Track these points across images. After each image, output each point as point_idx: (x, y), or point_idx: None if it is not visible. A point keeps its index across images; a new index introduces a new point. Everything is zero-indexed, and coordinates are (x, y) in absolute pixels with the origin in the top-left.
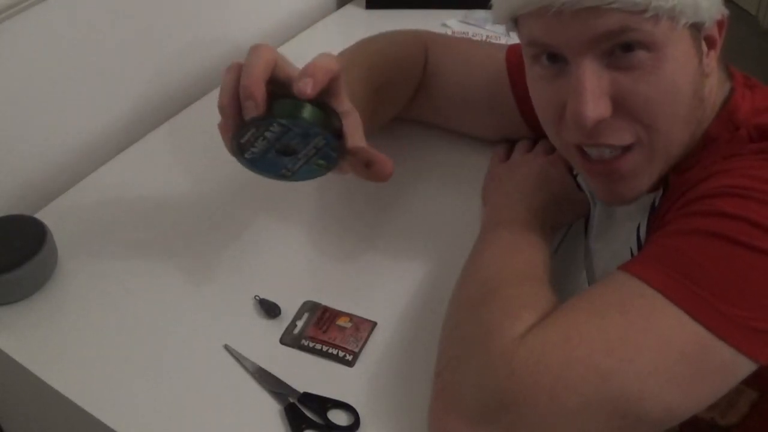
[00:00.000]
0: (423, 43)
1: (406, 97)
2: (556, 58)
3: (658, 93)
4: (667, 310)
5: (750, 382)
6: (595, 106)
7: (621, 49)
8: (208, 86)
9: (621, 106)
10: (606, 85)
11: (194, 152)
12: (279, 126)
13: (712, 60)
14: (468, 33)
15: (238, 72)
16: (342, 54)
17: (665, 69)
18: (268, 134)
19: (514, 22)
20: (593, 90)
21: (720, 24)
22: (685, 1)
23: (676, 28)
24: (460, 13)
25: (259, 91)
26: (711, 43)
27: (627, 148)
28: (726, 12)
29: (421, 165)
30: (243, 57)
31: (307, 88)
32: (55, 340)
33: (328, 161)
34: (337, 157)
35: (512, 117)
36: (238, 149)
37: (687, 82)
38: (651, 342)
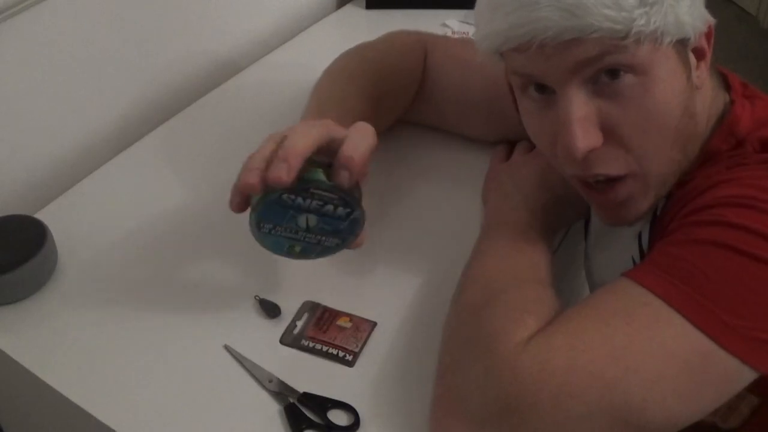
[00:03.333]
0: (423, 47)
1: (405, 104)
2: (543, 89)
3: (648, 119)
4: (672, 319)
5: (752, 388)
6: (584, 137)
7: (607, 75)
8: (208, 87)
9: (611, 134)
10: (594, 114)
11: (194, 153)
12: (345, 207)
13: (703, 71)
14: (468, 33)
15: (277, 139)
16: (341, 60)
17: (654, 92)
18: (327, 207)
19: (500, 55)
20: (581, 120)
21: (708, 34)
22: (667, 22)
23: (659, 48)
24: (460, 13)
25: (297, 161)
26: (700, 54)
27: (622, 177)
28: (712, 20)
29: (421, 165)
30: (243, 57)
31: (282, 175)
32: (55, 340)
33: (306, 255)
34: (360, 225)
35: (511, 120)
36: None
37: (677, 101)
38: (655, 351)
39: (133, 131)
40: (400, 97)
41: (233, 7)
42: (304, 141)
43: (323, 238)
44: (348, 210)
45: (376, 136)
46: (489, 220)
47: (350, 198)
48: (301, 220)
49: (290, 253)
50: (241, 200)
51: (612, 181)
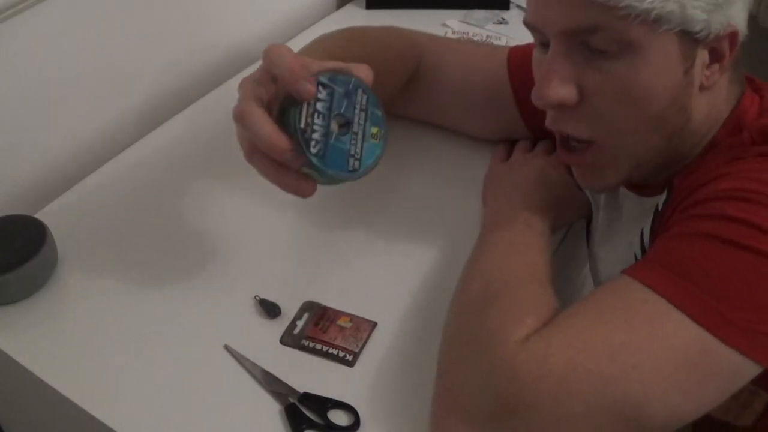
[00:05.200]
0: (419, 41)
1: (390, 85)
2: (546, 47)
3: (627, 97)
4: (671, 315)
5: (764, 384)
6: (556, 87)
7: (596, 49)
8: (208, 87)
9: (588, 100)
10: (575, 74)
11: (194, 153)
12: (324, 89)
13: (714, 73)
14: (468, 33)
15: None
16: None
17: (639, 75)
18: (319, 105)
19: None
20: (556, 72)
21: (732, 38)
22: (665, 8)
23: (655, 31)
24: (460, 13)
25: (305, 70)
26: (716, 56)
27: (591, 142)
28: (738, 30)
29: (421, 165)
30: (242, 57)
31: (307, 89)
32: (55, 340)
33: (379, 125)
34: (383, 114)
35: (512, 118)
36: (304, 143)
37: (664, 90)
38: (655, 347)
39: (132, 131)
40: (387, 70)
41: (233, 7)
42: (291, 54)
43: (363, 120)
44: (346, 80)
45: (286, 47)
46: (488, 219)
47: (334, 74)
48: (333, 123)
49: (362, 164)
50: (304, 180)
51: (583, 143)
